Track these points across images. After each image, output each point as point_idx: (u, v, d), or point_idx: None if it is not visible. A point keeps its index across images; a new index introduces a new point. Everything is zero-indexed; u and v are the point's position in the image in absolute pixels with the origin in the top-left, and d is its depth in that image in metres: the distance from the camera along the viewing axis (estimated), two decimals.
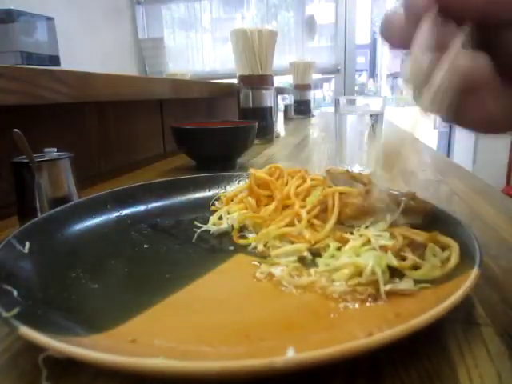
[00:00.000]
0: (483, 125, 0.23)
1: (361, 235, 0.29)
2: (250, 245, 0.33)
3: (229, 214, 0.37)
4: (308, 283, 0.26)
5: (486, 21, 0.22)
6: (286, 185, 0.38)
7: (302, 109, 2.06)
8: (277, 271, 0.28)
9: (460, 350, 0.20)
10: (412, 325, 0.17)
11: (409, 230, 0.29)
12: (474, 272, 0.22)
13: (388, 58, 5.60)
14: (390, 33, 0.25)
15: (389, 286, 0.24)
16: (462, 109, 0.22)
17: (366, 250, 0.27)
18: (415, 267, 0.25)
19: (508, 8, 0.21)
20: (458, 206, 0.46)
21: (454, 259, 0.25)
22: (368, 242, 0.28)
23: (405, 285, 0.24)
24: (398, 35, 0.24)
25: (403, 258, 0.26)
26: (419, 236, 0.28)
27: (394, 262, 0.25)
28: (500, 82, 0.22)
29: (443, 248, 0.27)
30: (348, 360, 0.16)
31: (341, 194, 0.33)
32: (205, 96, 1.09)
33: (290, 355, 0.16)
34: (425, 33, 0.22)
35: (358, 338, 0.17)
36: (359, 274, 0.25)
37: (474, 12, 0.22)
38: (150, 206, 0.41)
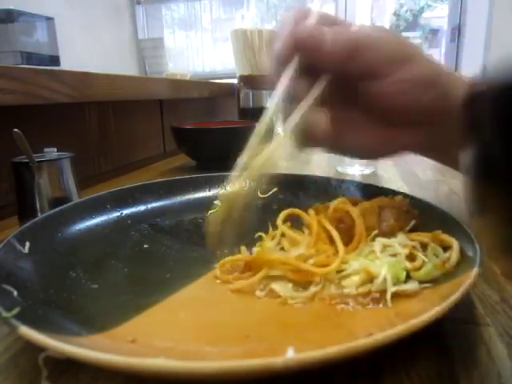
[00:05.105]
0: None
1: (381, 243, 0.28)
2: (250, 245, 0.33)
3: None
4: (315, 292, 0.25)
5: (343, 73, 0.29)
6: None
7: None
8: (278, 287, 0.26)
9: (460, 350, 0.20)
10: (412, 325, 0.17)
11: (413, 234, 0.29)
12: (474, 272, 0.22)
13: None
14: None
15: (394, 289, 0.24)
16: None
17: (381, 256, 0.26)
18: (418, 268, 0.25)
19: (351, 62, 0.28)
20: (458, 206, 0.46)
21: (454, 257, 0.25)
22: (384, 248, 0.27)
23: (410, 286, 0.24)
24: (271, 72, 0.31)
25: (412, 259, 0.26)
26: (423, 237, 0.28)
27: (408, 265, 0.25)
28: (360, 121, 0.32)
29: (445, 249, 0.27)
30: (348, 360, 0.16)
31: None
32: (205, 96, 1.09)
33: (290, 355, 0.16)
34: (282, 85, 0.28)
35: (358, 337, 0.17)
36: (370, 280, 0.25)
37: (329, 64, 0.29)
38: (149, 205, 0.41)
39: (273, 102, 0.28)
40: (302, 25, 0.28)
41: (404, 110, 0.30)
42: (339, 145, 0.33)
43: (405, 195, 0.36)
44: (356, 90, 0.30)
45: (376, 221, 0.29)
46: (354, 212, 0.29)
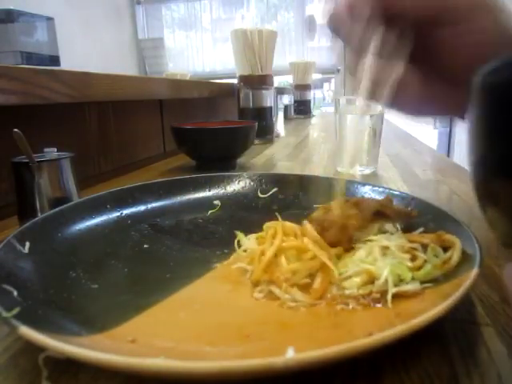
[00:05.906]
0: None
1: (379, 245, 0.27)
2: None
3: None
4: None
5: (420, 20, 0.30)
6: None
7: (301, 109, 2.06)
8: (277, 290, 0.25)
9: (460, 350, 0.20)
10: (412, 325, 0.17)
11: (414, 235, 0.29)
12: (474, 272, 0.22)
13: None
14: (337, 27, 0.33)
15: (395, 289, 0.24)
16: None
17: (382, 258, 0.26)
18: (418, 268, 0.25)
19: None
20: (457, 206, 0.46)
21: (456, 257, 0.25)
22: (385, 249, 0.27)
23: (411, 287, 0.24)
24: (344, 31, 0.33)
25: (413, 259, 0.26)
26: (425, 238, 0.27)
27: (409, 265, 0.25)
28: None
29: (445, 249, 0.27)
30: (348, 360, 0.16)
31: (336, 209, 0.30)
32: (205, 96, 1.09)
33: (290, 355, 0.16)
34: (374, 42, 0.30)
35: (358, 337, 0.17)
36: (371, 281, 0.25)
37: (409, 11, 0.29)
38: (149, 205, 0.41)
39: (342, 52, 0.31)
40: None
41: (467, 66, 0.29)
42: (396, 100, 0.34)
43: (405, 195, 0.36)
44: (423, 43, 0.31)
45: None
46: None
